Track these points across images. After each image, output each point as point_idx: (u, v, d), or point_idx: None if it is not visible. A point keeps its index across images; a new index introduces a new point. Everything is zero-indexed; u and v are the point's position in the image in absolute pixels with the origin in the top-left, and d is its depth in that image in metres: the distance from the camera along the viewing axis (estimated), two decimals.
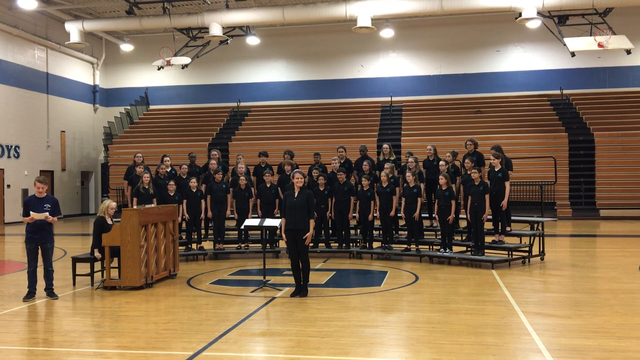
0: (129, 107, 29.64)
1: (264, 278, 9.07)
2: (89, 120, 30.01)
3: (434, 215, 11.90)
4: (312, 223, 8.43)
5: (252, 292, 8.76)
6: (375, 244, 12.45)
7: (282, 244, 10.40)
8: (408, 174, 11.59)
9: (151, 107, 30.72)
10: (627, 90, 26.53)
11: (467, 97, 27.75)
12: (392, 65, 28.80)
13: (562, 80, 26.80)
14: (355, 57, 28.89)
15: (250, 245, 12.95)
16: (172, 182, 12.03)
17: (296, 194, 8.49)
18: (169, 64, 24.02)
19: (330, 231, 12.68)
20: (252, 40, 27.29)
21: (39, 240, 8.34)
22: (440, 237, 11.85)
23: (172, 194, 11.91)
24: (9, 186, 24.02)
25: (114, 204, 9.66)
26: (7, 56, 24.45)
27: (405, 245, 12.05)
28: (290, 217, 8.44)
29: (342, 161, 12.99)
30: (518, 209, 18.51)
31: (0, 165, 23.67)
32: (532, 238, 11.48)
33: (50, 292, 8.47)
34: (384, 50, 28.73)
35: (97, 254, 9.28)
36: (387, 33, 26.76)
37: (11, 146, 24.33)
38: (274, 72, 29.77)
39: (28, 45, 25.68)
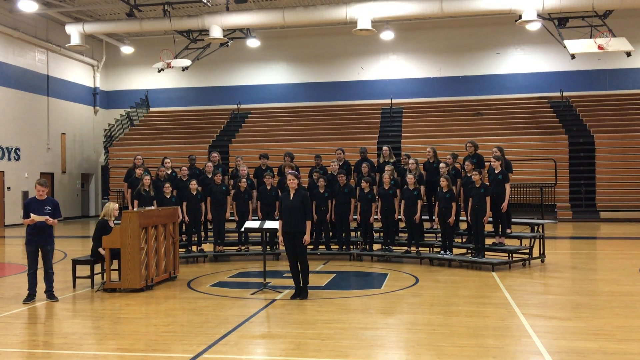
0: (129, 110, 29.65)
1: (264, 280, 9.07)
2: (89, 123, 30.04)
3: (434, 217, 11.90)
4: (308, 224, 8.41)
5: (252, 294, 8.75)
6: (376, 246, 12.45)
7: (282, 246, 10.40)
8: (409, 175, 11.60)
9: (151, 109, 30.74)
10: (627, 93, 26.55)
11: (467, 99, 27.77)
12: (392, 67, 28.82)
13: (562, 83, 26.81)
14: (355, 60, 28.91)
15: (250, 247, 12.95)
16: (167, 185, 12.02)
17: (291, 196, 8.49)
18: (169, 66, 24.04)
19: (331, 233, 12.67)
20: (252, 43, 27.32)
21: (39, 242, 8.33)
22: (440, 239, 11.85)
23: (168, 196, 11.90)
24: (9, 188, 24.02)
25: (116, 206, 9.70)
26: (8, 58, 24.48)
27: (406, 248, 12.05)
28: (286, 219, 8.43)
29: (340, 163, 13.00)
30: (518, 211, 18.52)
31: (0, 168, 23.67)
32: (532, 240, 11.48)
33: (50, 294, 8.46)
34: (384, 52, 28.75)
35: (102, 250, 9.26)
36: (387, 35, 26.78)
37: (11, 148, 24.34)
38: (274, 74, 29.79)
39: (28, 48, 25.71)
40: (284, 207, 8.49)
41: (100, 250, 9.31)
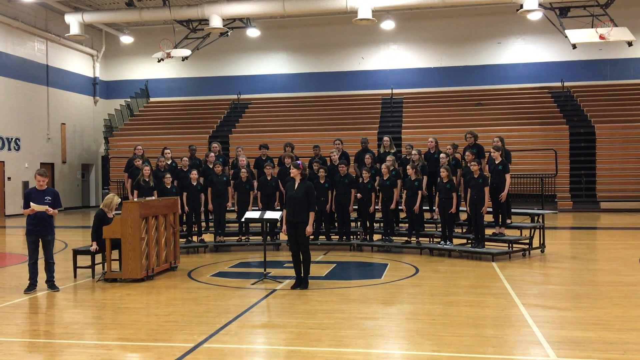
0: (129, 100, 29.60)
1: (265, 270, 9.08)
2: (89, 113, 29.99)
3: (434, 207, 11.91)
4: (311, 215, 8.42)
5: (253, 284, 8.77)
6: (376, 237, 12.46)
7: (283, 236, 10.41)
8: (408, 166, 11.59)
9: (151, 99, 30.68)
10: (628, 83, 26.48)
11: (468, 89, 27.70)
12: (393, 57, 28.72)
13: (563, 73, 26.74)
14: (355, 49, 28.81)
15: (250, 237, 12.97)
16: (168, 175, 12.02)
17: (296, 186, 8.50)
18: (169, 56, 23.97)
19: (336, 224, 12.62)
20: (252, 32, 27.21)
21: (40, 232, 8.34)
22: (440, 229, 11.86)
23: (168, 187, 11.91)
24: (9, 179, 24.03)
25: (118, 200, 9.60)
26: (7, 48, 24.40)
27: (406, 238, 12.06)
28: (289, 208, 8.45)
29: (339, 154, 12.97)
30: (518, 201, 18.52)
31: (0, 158, 23.67)
32: (532, 230, 11.49)
33: (51, 284, 8.49)
34: (385, 42, 28.64)
35: (93, 247, 9.26)
36: (388, 25, 26.66)
37: (12, 139, 24.32)
38: (274, 64, 29.70)
39: (28, 38, 25.62)
40: (288, 196, 8.52)
41: (93, 247, 9.26)
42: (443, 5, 22.61)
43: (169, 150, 13.27)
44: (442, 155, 11.76)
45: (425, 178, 11.92)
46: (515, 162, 14.37)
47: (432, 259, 11.05)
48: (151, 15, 23.94)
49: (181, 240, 11.75)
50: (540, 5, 20.39)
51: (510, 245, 11.26)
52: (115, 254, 9.31)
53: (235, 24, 25.41)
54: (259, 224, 11.97)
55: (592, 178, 22.91)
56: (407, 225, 12.22)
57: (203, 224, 12.97)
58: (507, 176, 11.03)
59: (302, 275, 8.46)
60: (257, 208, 12.38)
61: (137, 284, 8.88)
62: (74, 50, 28.71)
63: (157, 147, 16.06)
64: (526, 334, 6.06)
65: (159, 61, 24.65)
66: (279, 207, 12.05)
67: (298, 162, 8.63)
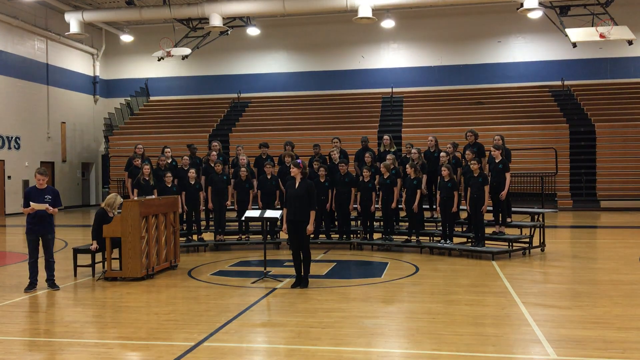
0: (129, 98, 29.59)
1: (265, 269, 9.09)
2: (89, 112, 29.98)
3: (434, 206, 11.90)
4: (312, 214, 8.42)
5: (253, 283, 8.78)
6: (376, 235, 12.47)
7: (283, 235, 10.42)
8: (407, 165, 11.59)
9: (151, 98, 30.67)
10: (628, 81, 26.46)
11: (468, 88, 27.69)
12: (393, 56, 28.71)
13: (564, 71, 26.73)
14: (356, 48, 28.80)
15: (250, 236, 12.97)
16: (169, 174, 12.03)
17: (297, 185, 8.50)
18: (169, 54, 23.96)
19: (336, 222, 12.63)
20: (253, 31, 27.20)
21: (40, 231, 8.34)
22: (440, 228, 11.86)
23: (169, 185, 11.91)
24: (9, 177, 24.03)
25: (121, 200, 9.56)
26: (7, 47, 24.39)
27: (406, 237, 12.06)
28: (290, 207, 8.45)
29: (338, 152, 12.98)
30: (519, 200, 18.51)
31: (0, 157, 23.66)
32: (532, 229, 11.50)
33: (51, 283, 8.49)
34: (385, 41, 28.63)
35: (93, 245, 9.28)
36: (388, 24, 26.63)
37: (12, 137, 24.31)
38: (274, 63, 29.69)
39: (28, 36, 25.61)
40: (289, 195, 8.51)
41: (93, 246, 9.28)
42: (443, 4, 22.61)
43: (169, 149, 13.28)
44: (442, 154, 11.76)
45: (425, 177, 11.91)
46: (515, 161, 14.36)
47: (432, 258, 11.05)
48: (151, 14, 23.94)
49: (181, 239, 11.76)
50: (540, 3, 20.38)
51: (511, 244, 11.26)
52: (115, 253, 9.32)
53: (236, 22, 25.40)
54: (259, 223, 11.98)
55: (592, 177, 22.91)
56: (407, 224, 12.22)
57: (203, 222, 12.98)
58: (508, 175, 11.03)
59: (302, 274, 8.46)
60: (257, 207, 12.38)
61: (137, 283, 8.88)
62: (74, 48, 28.69)
63: (158, 146, 16.05)
64: (526, 333, 6.06)
65: (159, 60, 24.64)
66: (279, 206, 12.05)
67: (298, 161, 8.62)
